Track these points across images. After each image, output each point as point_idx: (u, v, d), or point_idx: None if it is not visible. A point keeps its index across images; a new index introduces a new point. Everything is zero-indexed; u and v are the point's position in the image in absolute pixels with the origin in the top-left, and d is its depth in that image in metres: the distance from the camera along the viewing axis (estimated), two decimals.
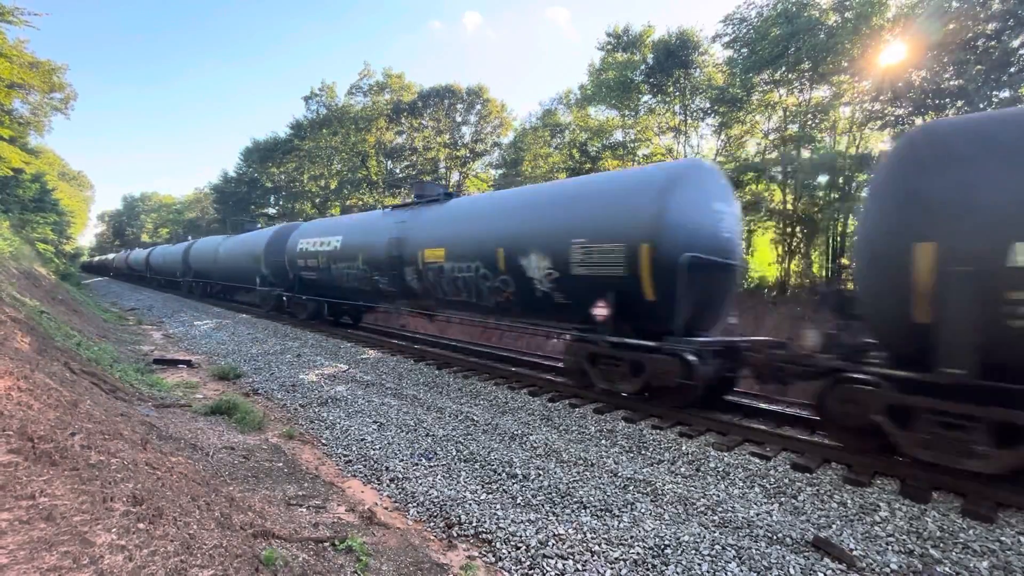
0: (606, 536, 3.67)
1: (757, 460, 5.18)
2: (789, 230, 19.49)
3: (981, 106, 12.66)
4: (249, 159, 43.13)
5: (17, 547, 1.96)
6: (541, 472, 4.82)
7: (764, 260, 21.00)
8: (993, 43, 12.67)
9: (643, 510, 4.11)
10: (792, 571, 3.27)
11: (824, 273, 19.15)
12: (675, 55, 21.38)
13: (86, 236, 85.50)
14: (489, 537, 3.72)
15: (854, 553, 3.49)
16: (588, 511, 4.10)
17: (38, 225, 28.95)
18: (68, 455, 2.78)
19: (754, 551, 3.48)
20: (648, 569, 3.29)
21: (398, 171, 35.06)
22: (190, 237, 37.05)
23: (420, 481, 4.68)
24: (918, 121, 14.79)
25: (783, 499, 4.37)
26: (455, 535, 3.81)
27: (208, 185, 57.08)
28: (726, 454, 5.33)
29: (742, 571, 3.27)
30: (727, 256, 7.01)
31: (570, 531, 3.74)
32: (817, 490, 4.49)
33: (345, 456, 5.36)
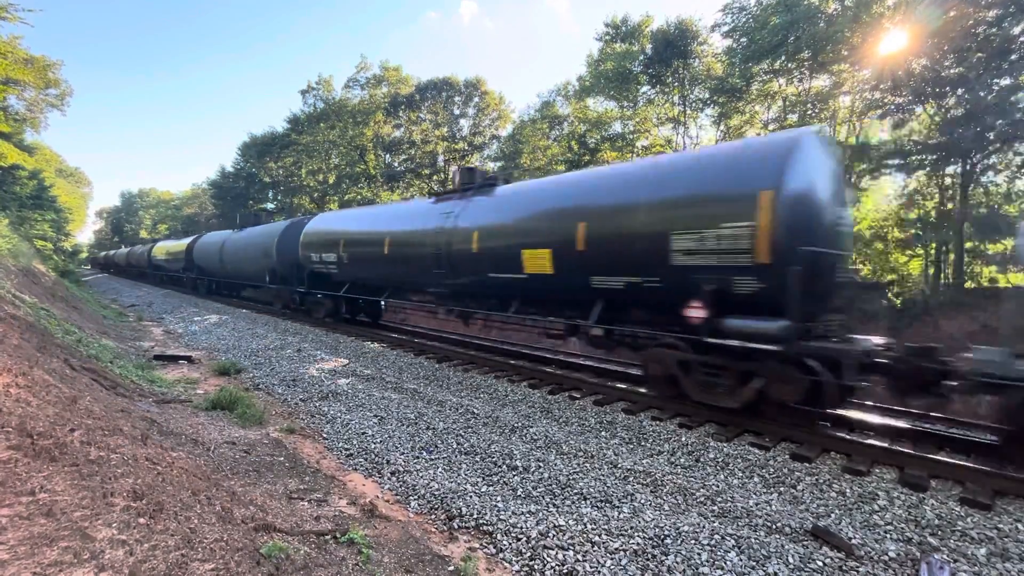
0: (606, 527, 3.69)
1: (756, 450, 5.20)
2: None
3: (981, 94, 12.59)
4: (247, 154, 43.00)
5: (18, 543, 1.97)
6: (541, 464, 4.83)
7: None
8: (994, 30, 12.57)
9: (643, 501, 4.13)
10: (791, 560, 3.29)
11: None
12: (674, 45, 21.26)
13: (85, 233, 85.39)
14: (490, 529, 3.74)
15: (852, 541, 3.51)
16: (588, 502, 4.12)
17: (36, 222, 28.88)
18: (68, 451, 2.79)
19: (753, 540, 3.50)
20: (648, 559, 3.31)
21: (396, 164, 34.95)
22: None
23: (421, 474, 4.70)
24: (918, 110, 14.73)
25: (782, 489, 4.39)
26: (456, 527, 3.83)
27: (206, 181, 56.89)
28: (725, 445, 5.35)
29: (741, 560, 3.29)
30: None
31: (570, 522, 3.76)
32: (816, 480, 4.51)
33: (346, 450, 5.37)
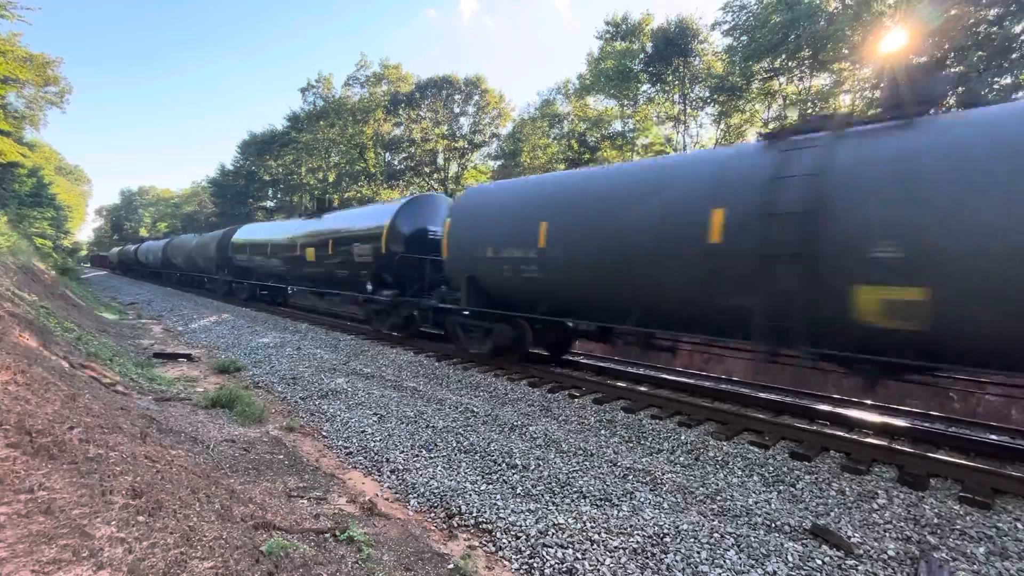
0: (605, 525, 3.69)
1: (756, 449, 5.20)
2: None
3: (982, 93, 12.57)
4: (246, 152, 43.00)
5: (16, 540, 1.96)
6: (540, 462, 4.83)
7: None
8: (995, 29, 12.55)
9: (642, 499, 4.13)
10: (790, 558, 3.29)
11: None
12: (674, 43, 21.23)
13: (84, 231, 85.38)
14: (489, 527, 3.74)
15: (852, 540, 3.51)
16: (587, 500, 4.12)
17: (36, 220, 28.87)
18: (67, 449, 2.78)
19: (752, 539, 3.50)
20: (647, 557, 3.31)
21: (396, 163, 34.92)
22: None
23: (421, 472, 4.70)
24: None
25: (782, 487, 4.39)
26: (456, 525, 3.83)
27: (206, 179, 56.91)
28: (725, 443, 5.35)
29: (740, 559, 3.29)
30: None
31: (570, 520, 3.76)
32: (815, 478, 4.51)
33: (346, 448, 5.37)
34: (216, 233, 22.73)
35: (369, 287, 11.82)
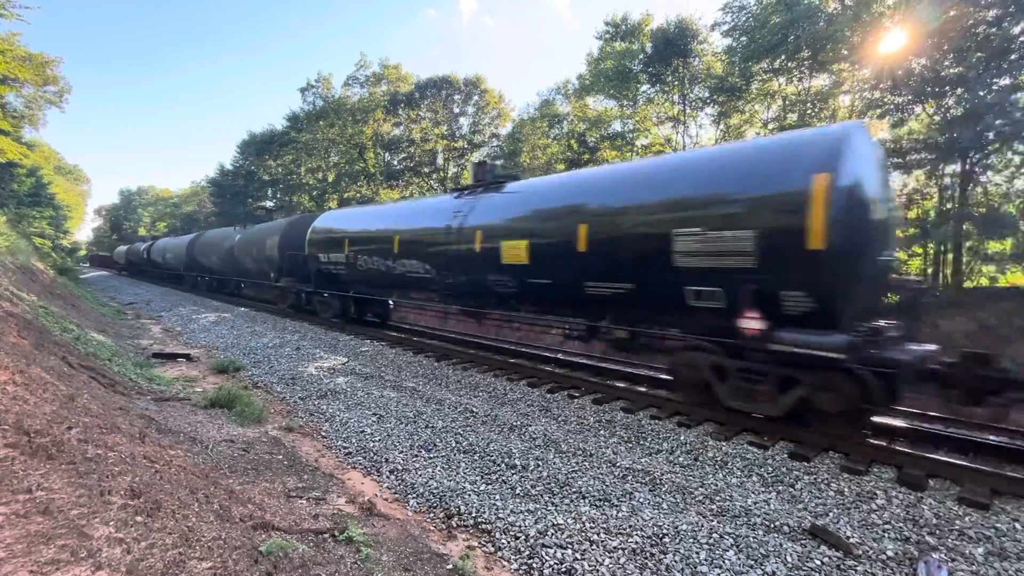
0: (605, 525, 3.69)
1: (755, 449, 5.20)
2: None
3: (981, 93, 12.58)
4: (246, 152, 42.95)
5: (14, 541, 1.96)
6: (540, 463, 4.83)
7: None
8: (994, 30, 12.55)
9: (642, 499, 4.13)
10: (789, 558, 3.29)
11: None
12: (674, 44, 21.23)
13: (83, 231, 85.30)
14: (488, 527, 3.74)
15: (851, 540, 3.52)
16: (587, 501, 4.12)
17: (35, 219, 28.81)
18: (65, 449, 2.78)
19: (751, 539, 3.50)
20: (647, 558, 3.31)
21: (396, 163, 34.91)
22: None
23: (420, 472, 4.70)
24: (918, 110, 14.72)
25: (780, 488, 4.39)
26: (455, 525, 3.83)
27: (205, 179, 56.88)
28: (724, 444, 5.35)
29: (739, 559, 3.29)
30: None
31: (569, 521, 3.76)
32: (814, 479, 4.52)
33: (345, 448, 5.37)
34: (278, 223, 16.87)
35: (757, 324, 5.40)
